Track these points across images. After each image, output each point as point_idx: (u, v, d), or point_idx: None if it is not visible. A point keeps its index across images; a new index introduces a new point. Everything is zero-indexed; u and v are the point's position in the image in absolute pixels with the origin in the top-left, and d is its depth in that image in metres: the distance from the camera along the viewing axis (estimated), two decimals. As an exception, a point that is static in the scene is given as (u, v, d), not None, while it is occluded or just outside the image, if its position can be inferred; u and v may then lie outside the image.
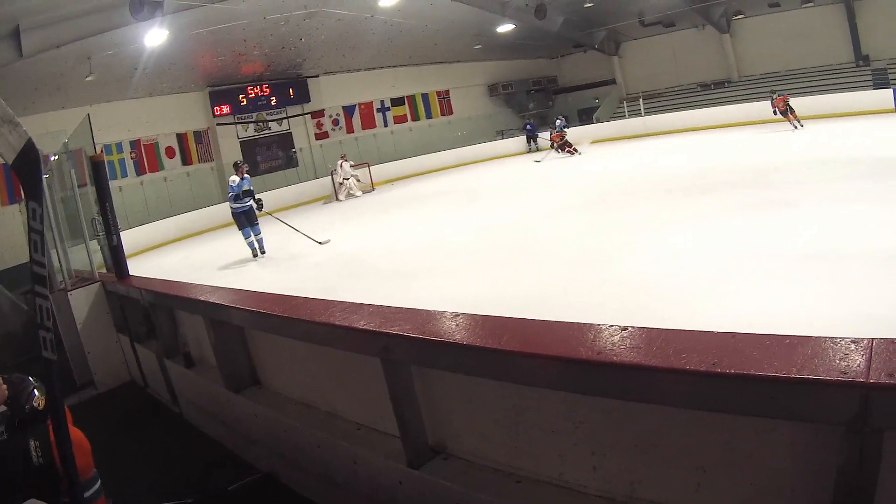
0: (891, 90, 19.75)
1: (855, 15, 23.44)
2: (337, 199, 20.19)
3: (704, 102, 24.52)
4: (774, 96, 18.80)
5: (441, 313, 2.50)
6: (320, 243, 11.50)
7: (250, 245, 11.40)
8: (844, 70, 23.24)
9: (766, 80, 24.26)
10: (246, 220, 11.20)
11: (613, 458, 2.07)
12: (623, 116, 25.93)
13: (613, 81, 29.03)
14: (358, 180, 20.64)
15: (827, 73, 23.50)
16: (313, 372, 3.52)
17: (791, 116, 18.38)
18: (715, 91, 25.71)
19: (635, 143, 22.21)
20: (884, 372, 1.25)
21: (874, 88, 21.23)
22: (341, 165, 20.32)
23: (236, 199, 10.97)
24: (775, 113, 18.62)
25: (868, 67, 23.06)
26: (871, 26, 23.18)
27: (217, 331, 4.10)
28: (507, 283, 7.20)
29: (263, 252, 11.50)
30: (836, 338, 1.42)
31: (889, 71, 22.27)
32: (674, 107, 25.46)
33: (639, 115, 24.91)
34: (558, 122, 23.06)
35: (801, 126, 18.05)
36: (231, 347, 4.13)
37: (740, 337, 1.59)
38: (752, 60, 25.42)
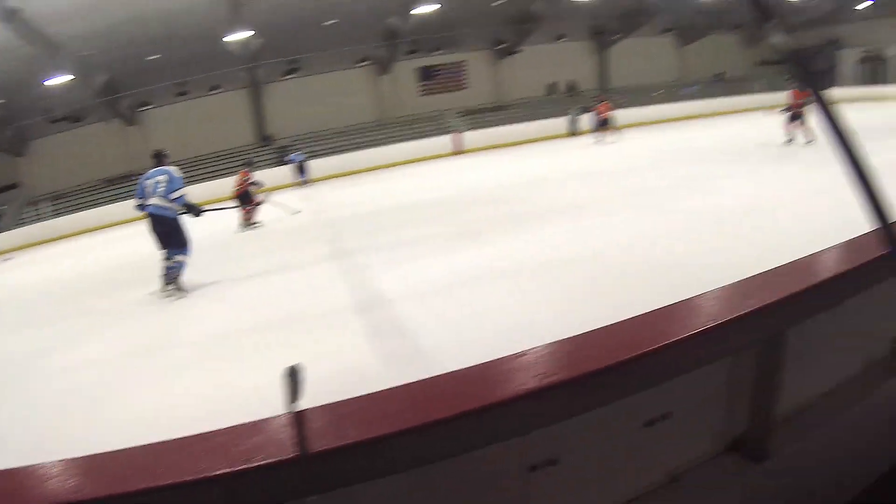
0: (293, 165, 23.78)
1: (261, 99, 27.11)
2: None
3: (114, 198, 24.08)
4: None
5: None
6: None
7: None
8: (250, 150, 25.91)
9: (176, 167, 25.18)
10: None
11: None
12: (30, 222, 23.79)
13: (15, 186, 26.50)
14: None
15: (232, 155, 25.81)
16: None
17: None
18: (123, 185, 25.34)
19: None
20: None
21: (277, 166, 24.78)
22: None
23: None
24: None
25: (271, 146, 26.67)
26: (273, 109, 27.35)
27: None
28: None
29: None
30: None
31: (292, 147, 25.95)
32: (84, 205, 24.62)
33: (43, 219, 23.55)
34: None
35: None
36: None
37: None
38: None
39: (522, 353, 1.55)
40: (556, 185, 14.26)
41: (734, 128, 22.79)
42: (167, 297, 8.54)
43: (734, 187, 11.13)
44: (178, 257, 8.56)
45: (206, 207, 9.23)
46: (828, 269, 2.02)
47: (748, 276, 2.00)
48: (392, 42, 27.81)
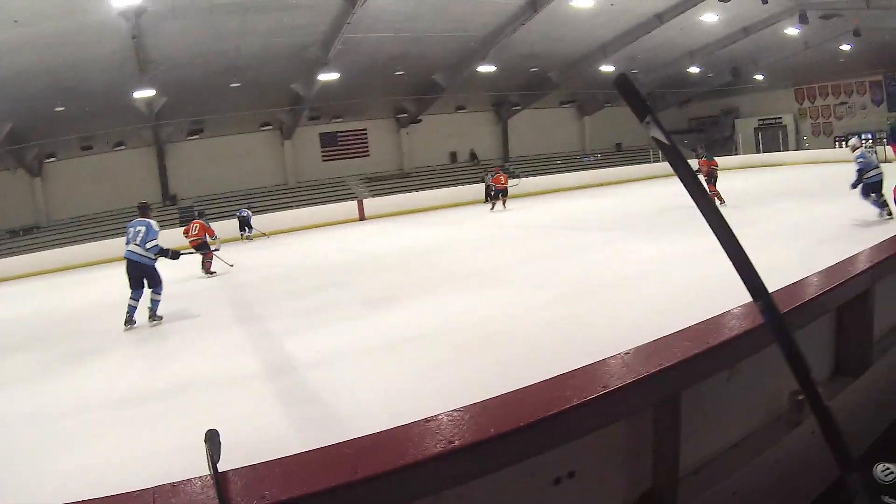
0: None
1: (165, 158, 26.96)
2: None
3: (15, 250, 23.40)
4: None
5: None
6: None
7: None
8: (153, 210, 25.17)
9: (76, 224, 25.13)
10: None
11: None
12: None
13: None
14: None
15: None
16: None
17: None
18: (24, 238, 24.93)
19: None
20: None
21: (181, 225, 23.88)
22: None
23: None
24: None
25: (175, 206, 26.50)
26: (177, 168, 27.17)
27: None
28: None
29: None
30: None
31: (195, 208, 25.20)
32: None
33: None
34: None
35: None
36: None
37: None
38: (64, 204, 25.81)
39: (430, 419, 1.64)
40: (457, 252, 14.63)
41: (633, 195, 23.87)
42: (155, 325, 9.89)
43: (632, 252, 11.73)
44: (155, 296, 10.01)
45: (182, 252, 10.83)
46: (721, 334, 2.12)
47: (643, 342, 2.11)
48: (295, 108, 28.12)
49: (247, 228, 23.82)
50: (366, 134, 32.09)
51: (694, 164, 16.50)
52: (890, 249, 3.21)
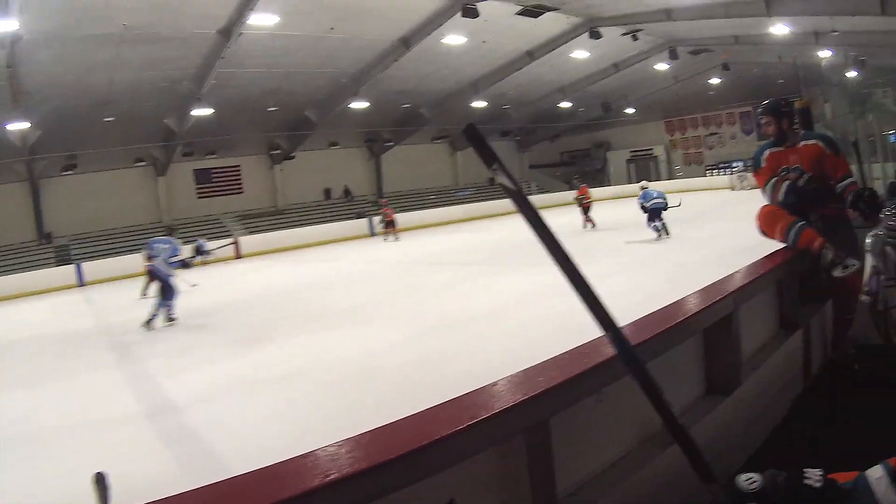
0: (73, 265, 23.19)
1: (39, 194, 25.85)
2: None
3: None
4: None
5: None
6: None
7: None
8: (28, 248, 25.17)
9: None
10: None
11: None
12: None
13: None
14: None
15: (10, 251, 24.67)
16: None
17: None
18: None
19: None
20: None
21: (57, 265, 23.96)
22: None
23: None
24: None
25: (51, 245, 25.55)
26: (52, 205, 26.12)
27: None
28: None
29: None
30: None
31: (72, 246, 25.21)
32: None
33: None
34: None
35: None
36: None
37: None
38: None
39: (307, 454, 1.65)
40: (330, 289, 14.81)
41: (504, 229, 24.56)
42: (169, 325, 11.84)
43: (500, 284, 12.34)
44: (169, 302, 12.00)
45: (189, 259, 12.76)
46: (586, 361, 2.22)
47: (513, 372, 2.20)
48: (169, 143, 27.56)
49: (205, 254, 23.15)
50: (239, 170, 31.63)
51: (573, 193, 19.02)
52: (753, 274, 3.44)
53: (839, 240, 4.19)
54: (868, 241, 4.69)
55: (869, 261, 4.64)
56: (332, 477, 1.52)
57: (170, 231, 12.72)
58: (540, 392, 1.98)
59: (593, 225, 20.15)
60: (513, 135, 37.99)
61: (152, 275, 12.70)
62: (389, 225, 26.07)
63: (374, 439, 1.76)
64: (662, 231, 16.22)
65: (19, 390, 8.53)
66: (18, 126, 21.02)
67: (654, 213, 16.25)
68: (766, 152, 4.62)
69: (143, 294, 16.02)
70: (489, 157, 1.28)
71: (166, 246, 12.29)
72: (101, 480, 1.35)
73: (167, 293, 11.94)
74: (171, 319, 11.99)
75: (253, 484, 1.54)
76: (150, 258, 12.23)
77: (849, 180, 4.33)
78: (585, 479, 2.40)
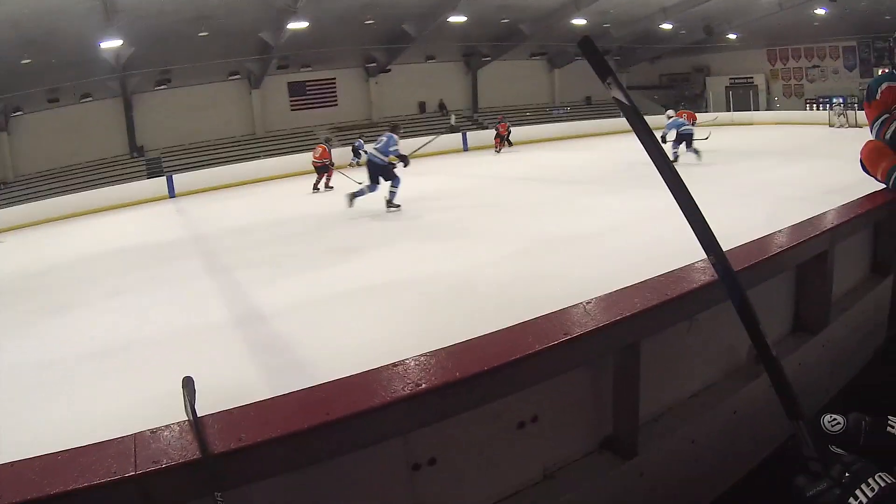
0: (164, 178, 23.84)
1: (132, 109, 26.45)
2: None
3: None
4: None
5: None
6: None
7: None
8: (121, 161, 25.93)
9: (43, 178, 24.54)
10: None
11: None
12: None
13: None
14: None
15: (104, 165, 25.48)
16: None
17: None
18: None
19: None
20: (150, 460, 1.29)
21: (149, 177, 24.65)
22: None
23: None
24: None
25: (143, 158, 26.25)
26: (144, 120, 26.66)
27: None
28: None
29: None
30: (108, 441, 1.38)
31: (163, 159, 25.95)
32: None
33: None
34: None
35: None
36: None
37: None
38: (32, 159, 25.14)
39: (398, 363, 1.70)
40: (425, 202, 14.66)
41: (602, 149, 24.04)
42: (393, 211, 13.32)
43: (598, 207, 12.03)
44: (393, 188, 13.43)
45: (408, 154, 13.71)
46: (680, 286, 2.20)
47: (605, 292, 2.19)
48: (264, 57, 27.65)
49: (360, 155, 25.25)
50: (335, 84, 31.63)
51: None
52: (849, 213, 3.32)
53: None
54: None
55: None
56: (423, 387, 1.56)
57: (393, 127, 13.82)
58: (634, 313, 1.98)
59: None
60: (612, 54, 36.76)
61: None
62: (503, 140, 26.40)
63: (468, 350, 1.80)
64: (695, 154, 17.50)
65: (116, 299, 8.82)
66: (112, 44, 21.52)
67: (683, 137, 17.69)
68: (885, 84, 4.26)
69: (315, 189, 19.46)
70: (604, 71, 1.26)
71: (385, 137, 13.64)
72: (188, 384, 1.43)
73: (393, 181, 13.39)
74: (396, 206, 13.45)
75: (344, 391, 1.58)
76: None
77: None
78: (668, 407, 2.41)
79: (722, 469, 2.54)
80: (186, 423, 1.40)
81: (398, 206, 13.38)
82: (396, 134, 13.59)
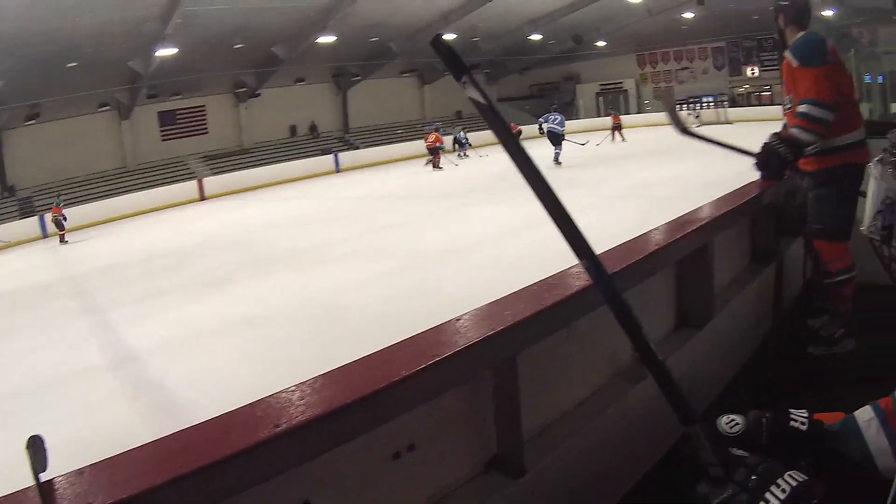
0: (37, 217, 22.91)
1: (2, 146, 25.43)
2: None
3: None
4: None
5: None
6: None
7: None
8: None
9: None
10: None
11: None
12: None
13: None
14: None
15: None
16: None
17: None
18: None
19: None
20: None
21: (21, 218, 23.66)
22: None
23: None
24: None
25: (14, 198, 25.20)
26: (14, 157, 25.59)
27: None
28: None
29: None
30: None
31: (35, 198, 24.85)
32: None
33: None
34: None
35: None
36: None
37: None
38: None
39: (257, 403, 1.57)
40: (296, 227, 14.78)
41: (477, 162, 24.60)
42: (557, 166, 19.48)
43: (470, 219, 12.57)
44: (558, 150, 20.47)
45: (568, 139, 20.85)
46: (555, 294, 2.13)
47: (476, 306, 2.10)
48: (134, 86, 27.00)
49: (465, 144, 30.12)
50: (204, 111, 31.09)
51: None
52: (726, 206, 3.38)
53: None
54: (874, 168, 3.54)
55: (874, 189, 3.55)
56: (282, 427, 1.45)
57: (558, 108, 21.09)
58: (506, 326, 1.91)
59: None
60: (482, 68, 37.49)
61: (549, 133, 20.63)
62: (434, 152, 26.80)
63: (330, 383, 1.68)
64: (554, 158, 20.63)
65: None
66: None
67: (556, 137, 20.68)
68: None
69: (430, 165, 25.46)
70: (459, 69, 1.19)
71: (560, 117, 20.82)
72: (34, 444, 1.26)
73: (557, 143, 20.28)
74: (558, 163, 19.98)
75: (198, 439, 1.46)
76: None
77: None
78: (554, 418, 2.35)
79: (618, 475, 2.51)
80: (33, 489, 1.25)
81: (560, 163, 19.98)
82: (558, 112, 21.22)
